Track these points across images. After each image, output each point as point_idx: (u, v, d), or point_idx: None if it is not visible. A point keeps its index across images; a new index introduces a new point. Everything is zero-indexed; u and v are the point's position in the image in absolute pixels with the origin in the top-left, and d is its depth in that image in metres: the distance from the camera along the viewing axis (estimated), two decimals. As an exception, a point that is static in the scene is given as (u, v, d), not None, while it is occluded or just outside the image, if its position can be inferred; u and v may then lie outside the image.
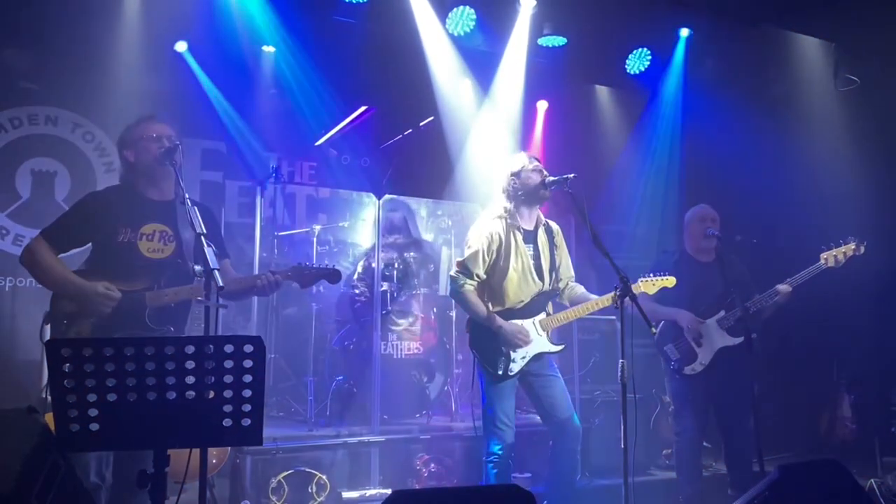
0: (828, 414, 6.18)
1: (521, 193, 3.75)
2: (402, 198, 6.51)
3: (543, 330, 3.75)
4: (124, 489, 3.01)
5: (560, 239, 3.95)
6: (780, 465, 2.71)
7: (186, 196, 2.94)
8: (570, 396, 3.82)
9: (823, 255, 4.12)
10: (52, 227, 3.18)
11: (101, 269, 3.10)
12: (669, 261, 4.41)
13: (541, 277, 3.78)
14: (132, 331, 3.04)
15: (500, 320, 3.67)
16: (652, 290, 3.78)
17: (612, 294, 3.32)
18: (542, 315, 3.78)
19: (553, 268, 3.84)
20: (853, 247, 4.09)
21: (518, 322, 3.71)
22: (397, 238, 5.99)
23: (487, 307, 3.73)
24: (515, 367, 3.67)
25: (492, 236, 3.72)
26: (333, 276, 3.40)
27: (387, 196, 5.04)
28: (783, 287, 4.17)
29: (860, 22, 5.68)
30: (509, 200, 3.78)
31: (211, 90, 5.60)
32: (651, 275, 3.79)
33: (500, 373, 3.65)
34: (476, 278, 3.72)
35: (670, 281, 3.78)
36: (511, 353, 3.67)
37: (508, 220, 3.76)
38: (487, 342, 3.70)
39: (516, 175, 3.76)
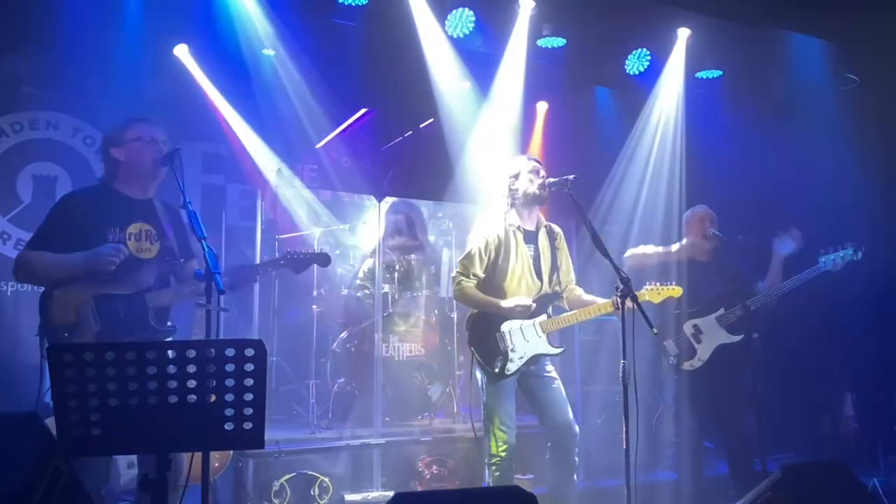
0: (830, 413, 6.17)
1: (519, 196, 3.81)
2: (406, 200, 6.50)
3: (543, 332, 3.75)
4: None
5: (562, 242, 3.98)
6: (782, 465, 2.72)
7: (188, 201, 2.95)
8: (567, 398, 3.81)
9: (822, 259, 4.22)
10: (36, 237, 3.15)
11: (92, 273, 3.05)
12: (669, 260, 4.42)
13: (540, 278, 3.81)
14: (139, 334, 3.07)
15: (499, 301, 3.68)
16: (657, 299, 3.74)
17: (613, 300, 3.34)
18: (543, 317, 3.78)
19: (554, 269, 3.86)
20: (850, 252, 4.19)
21: (512, 302, 3.67)
22: (405, 241, 5.98)
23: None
24: (512, 367, 3.67)
25: (489, 236, 3.78)
26: (323, 259, 3.46)
27: (392, 198, 5.05)
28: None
29: (860, 21, 5.67)
30: (508, 202, 3.85)
31: (211, 93, 5.60)
32: (656, 283, 3.76)
33: (497, 371, 3.65)
34: (473, 277, 3.76)
35: (676, 291, 3.74)
36: (509, 352, 3.67)
37: (508, 221, 3.81)
38: (485, 340, 3.71)
39: (514, 177, 3.85)
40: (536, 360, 3.74)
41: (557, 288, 3.89)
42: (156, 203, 3.23)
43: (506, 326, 3.70)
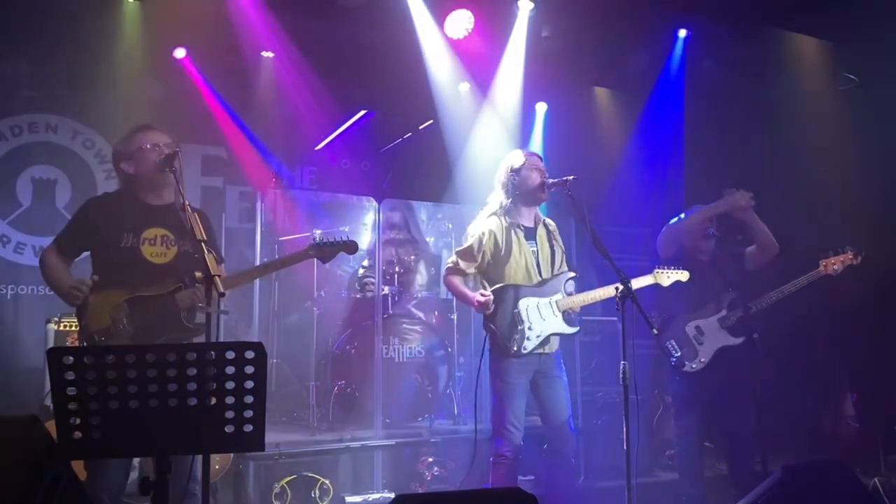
0: (830, 413, 6.17)
1: (519, 191, 3.76)
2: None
3: (560, 310, 3.72)
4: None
5: (557, 235, 3.96)
6: (783, 466, 2.72)
7: (187, 203, 2.95)
8: (570, 399, 3.81)
9: (822, 262, 4.20)
10: (60, 233, 3.24)
11: (111, 278, 3.10)
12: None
13: (541, 275, 3.79)
14: (174, 334, 3.08)
15: (467, 292, 3.73)
16: (666, 282, 3.82)
17: (615, 294, 3.33)
18: (559, 295, 3.74)
19: (553, 263, 3.85)
20: (850, 256, 4.18)
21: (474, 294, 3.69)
22: (396, 234, 5.99)
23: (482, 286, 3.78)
24: (529, 345, 3.63)
25: (484, 233, 3.74)
26: (351, 246, 3.44)
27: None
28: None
29: (859, 21, 5.68)
30: (507, 196, 3.79)
31: (210, 96, 5.61)
32: (666, 267, 3.83)
33: (515, 349, 3.61)
34: (465, 271, 3.77)
35: (684, 275, 3.85)
36: (526, 329, 3.63)
37: (507, 218, 3.77)
38: (502, 318, 3.65)
39: (516, 172, 3.77)
40: (549, 340, 3.68)
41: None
42: (178, 209, 3.20)
43: (522, 304, 3.67)
